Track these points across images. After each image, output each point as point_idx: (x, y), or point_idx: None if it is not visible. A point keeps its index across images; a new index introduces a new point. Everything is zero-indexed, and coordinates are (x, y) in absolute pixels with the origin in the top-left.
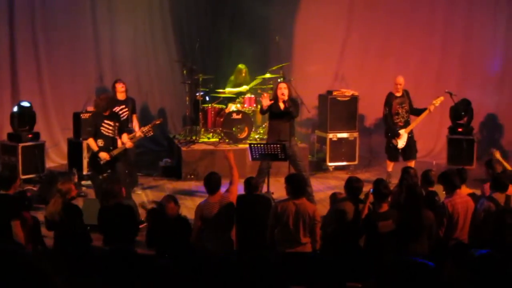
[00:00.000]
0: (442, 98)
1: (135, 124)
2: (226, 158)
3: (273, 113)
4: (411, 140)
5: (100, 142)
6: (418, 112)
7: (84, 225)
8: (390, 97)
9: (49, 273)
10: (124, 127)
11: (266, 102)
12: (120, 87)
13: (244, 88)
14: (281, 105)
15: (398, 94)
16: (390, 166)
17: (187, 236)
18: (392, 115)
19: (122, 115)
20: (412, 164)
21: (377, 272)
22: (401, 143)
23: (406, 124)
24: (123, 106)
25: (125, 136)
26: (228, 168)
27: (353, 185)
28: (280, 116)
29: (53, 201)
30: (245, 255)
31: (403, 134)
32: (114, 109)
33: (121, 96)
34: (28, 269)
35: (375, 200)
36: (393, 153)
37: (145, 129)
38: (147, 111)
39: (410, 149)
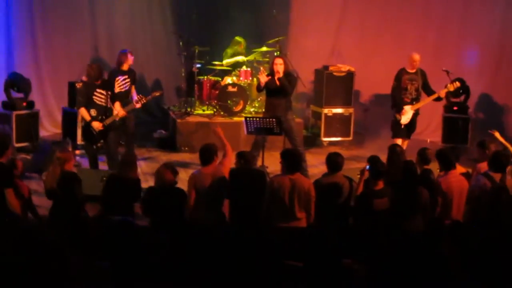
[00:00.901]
0: (457, 83)
1: (134, 94)
2: (214, 133)
3: (268, 89)
4: (415, 118)
5: (93, 112)
6: (430, 92)
7: (83, 193)
8: (401, 72)
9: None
10: (123, 96)
11: (263, 78)
12: (132, 59)
13: (241, 58)
14: (277, 81)
15: (411, 71)
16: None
17: (183, 207)
18: (401, 89)
19: (124, 86)
20: (402, 142)
21: (371, 249)
22: (405, 119)
23: (414, 101)
24: (126, 77)
25: (117, 105)
26: (219, 142)
27: (332, 159)
28: (276, 92)
29: (52, 169)
30: (240, 230)
31: (408, 110)
32: (117, 79)
33: (126, 67)
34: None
35: (370, 177)
36: (396, 129)
37: (140, 98)
38: (143, 82)
39: (411, 127)
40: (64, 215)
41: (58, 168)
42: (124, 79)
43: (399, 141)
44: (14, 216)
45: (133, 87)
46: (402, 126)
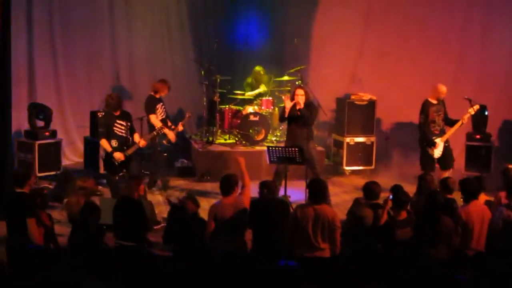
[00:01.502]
0: (477, 106)
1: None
2: (236, 162)
3: (290, 118)
4: (447, 149)
5: (114, 143)
6: (451, 122)
7: (100, 224)
8: (426, 105)
9: None
10: (164, 122)
11: (288, 104)
12: (165, 89)
13: (262, 88)
14: (298, 112)
15: (435, 101)
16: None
17: (203, 236)
18: (428, 123)
19: (164, 113)
20: (448, 173)
21: (392, 279)
22: (437, 152)
23: (442, 133)
24: (162, 104)
25: (136, 136)
26: (238, 172)
27: (369, 187)
28: (297, 121)
29: (76, 198)
30: (260, 261)
31: (439, 143)
32: (157, 107)
33: (162, 94)
34: None
35: (394, 207)
36: (428, 163)
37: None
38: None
39: (446, 158)
40: (83, 243)
41: (82, 197)
42: (162, 106)
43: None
44: (33, 247)
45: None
46: (435, 160)
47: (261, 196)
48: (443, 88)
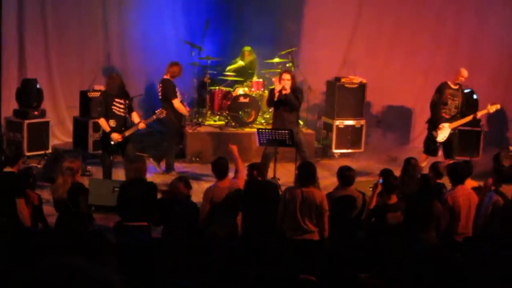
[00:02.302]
0: (498, 106)
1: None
2: (230, 150)
3: (277, 101)
4: (453, 137)
5: (112, 123)
6: (464, 113)
7: (88, 205)
8: (443, 86)
9: None
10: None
11: (278, 87)
12: (180, 72)
13: (240, 63)
14: (282, 93)
15: (454, 86)
16: (424, 160)
17: (195, 218)
18: (440, 103)
19: (181, 95)
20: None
21: (385, 262)
22: (441, 136)
23: (453, 119)
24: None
25: (135, 115)
26: (231, 158)
27: (344, 174)
28: (284, 105)
29: (62, 179)
30: (253, 242)
31: (445, 127)
32: (177, 91)
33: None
34: None
35: (384, 191)
36: (431, 146)
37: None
38: (154, 92)
39: (450, 146)
40: (71, 225)
41: (69, 178)
42: (178, 89)
43: (426, 159)
44: (23, 227)
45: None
46: (438, 144)
47: (251, 178)
48: (464, 72)
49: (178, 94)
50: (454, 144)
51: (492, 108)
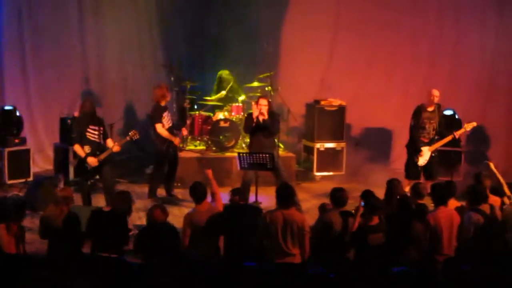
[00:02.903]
0: (474, 123)
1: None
2: (205, 174)
3: (255, 127)
4: (433, 159)
5: (87, 148)
6: (443, 135)
7: (82, 234)
8: (419, 109)
9: None
10: (170, 131)
11: (256, 112)
12: (167, 95)
13: (221, 93)
14: (260, 119)
15: (430, 109)
16: (407, 185)
17: (176, 242)
18: (418, 128)
19: (170, 121)
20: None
21: (367, 284)
22: (422, 160)
23: (431, 142)
24: (167, 112)
25: (109, 141)
26: (206, 181)
27: (336, 195)
28: (262, 130)
29: (56, 208)
30: (234, 265)
31: (426, 151)
32: (163, 115)
33: (164, 102)
34: None
35: (365, 212)
36: (413, 170)
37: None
38: (133, 115)
39: (432, 169)
40: (66, 252)
41: (65, 207)
42: (168, 114)
43: (409, 184)
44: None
45: None
46: (419, 168)
47: (232, 202)
48: (435, 92)
49: (165, 119)
50: (434, 166)
51: (469, 126)
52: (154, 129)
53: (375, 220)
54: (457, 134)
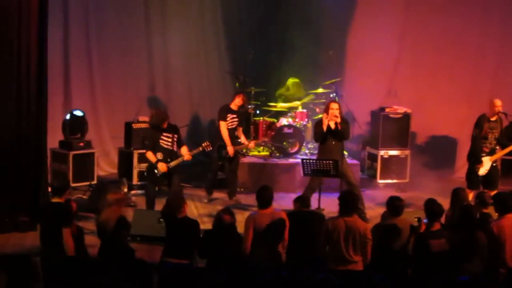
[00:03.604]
0: None
1: (240, 135)
2: None
3: (326, 133)
4: (494, 169)
5: (159, 155)
6: (504, 144)
7: (133, 236)
8: (482, 119)
9: None
10: (230, 132)
11: (326, 120)
12: (238, 100)
13: (296, 103)
14: (332, 125)
15: (493, 119)
16: (470, 195)
17: (239, 249)
18: (480, 138)
19: (232, 123)
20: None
21: None
22: (483, 170)
23: (492, 152)
24: (235, 116)
25: (184, 149)
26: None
27: (394, 204)
28: (333, 136)
29: (110, 210)
30: (297, 273)
31: (486, 161)
32: (227, 116)
33: (234, 106)
34: None
35: (427, 218)
36: (474, 180)
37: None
38: (198, 122)
39: (492, 179)
40: (115, 256)
41: (118, 209)
42: (232, 118)
43: (472, 193)
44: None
45: (239, 128)
46: (480, 178)
47: (296, 210)
48: (498, 102)
49: (226, 122)
50: (495, 176)
51: None
52: None
53: (437, 226)
54: None
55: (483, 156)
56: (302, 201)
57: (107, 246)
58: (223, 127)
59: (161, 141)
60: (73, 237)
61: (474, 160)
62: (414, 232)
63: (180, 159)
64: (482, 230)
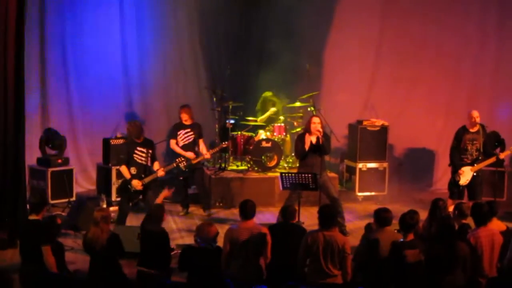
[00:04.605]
0: None
1: (202, 147)
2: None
3: (309, 149)
4: (476, 180)
5: (133, 170)
6: (487, 154)
7: (124, 254)
8: (461, 131)
9: None
10: (187, 148)
11: (313, 138)
12: (184, 114)
13: (272, 110)
14: (313, 139)
15: (472, 130)
16: (451, 205)
17: (219, 263)
18: (460, 150)
19: (187, 138)
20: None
21: None
22: (464, 180)
23: (474, 162)
24: (188, 130)
25: (156, 164)
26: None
27: (382, 215)
28: (313, 151)
29: (96, 228)
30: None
31: (467, 171)
32: (179, 132)
33: (187, 122)
34: None
35: (400, 230)
36: (455, 190)
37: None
38: None
39: (475, 189)
40: (106, 272)
41: (105, 226)
42: (186, 133)
43: (452, 204)
44: (50, 274)
45: (200, 140)
46: (461, 188)
47: (279, 222)
48: (474, 113)
49: (180, 137)
50: (478, 186)
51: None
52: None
53: (410, 237)
54: (502, 155)
55: (464, 166)
56: (287, 213)
57: (99, 264)
58: (172, 145)
59: (135, 155)
60: (53, 253)
61: (453, 170)
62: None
63: (154, 175)
64: (462, 241)
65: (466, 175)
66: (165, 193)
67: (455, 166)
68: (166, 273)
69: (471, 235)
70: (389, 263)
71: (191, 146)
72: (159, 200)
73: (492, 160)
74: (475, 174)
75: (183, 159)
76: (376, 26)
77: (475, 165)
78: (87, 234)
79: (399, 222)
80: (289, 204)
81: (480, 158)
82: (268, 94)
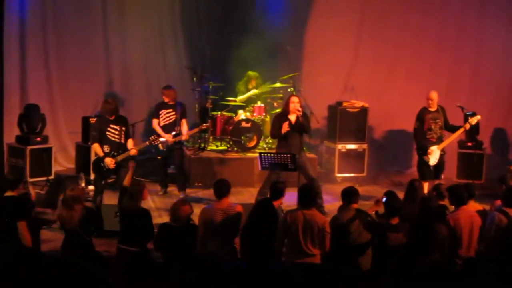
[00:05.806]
0: (479, 117)
1: (184, 128)
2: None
3: (289, 127)
4: (441, 158)
5: (106, 148)
6: (453, 129)
7: (103, 230)
8: (423, 112)
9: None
10: (168, 128)
11: (285, 128)
12: (167, 94)
13: (254, 91)
14: (292, 119)
15: (432, 109)
16: (425, 186)
17: (195, 242)
18: (425, 131)
19: (169, 118)
20: (438, 181)
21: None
22: (433, 160)
23: (439, 140)
24: (170, 110)
25: (130, 141)
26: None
27: (348, 192)
28: (292, 130)
29: (68, 209)
30: (252, 266)
31: (435, 150)
32: (160, 112)
33: (167, 100)
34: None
35: (386, 212)
36: (425, 171)
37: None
38: None
39: (439, 167)
40: (80, 250)
41: (79, 206)
42: (168, 112)
43: (426, 184)
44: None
45: (183, 120)
46: (431, 168)
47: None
48: (432, 95)
49: (162, 117)
50: (442, 165)
51: (474, 120)
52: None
53: (396, 220)
54: (467, 126)
55: (430, 145)
56: (274, 190)
57: (72, 242)
58: (154, 124)
59: (107, 133)
60: (29, 229)
61: (422, 152)
62: (375, 204)
63: (126, 153)
64: (441, 222)
65: (435, 154)
66: (131, 170)
67: (423, 146)
68: (147, 251)
69: (450, 217)
70: (371, 243)
71: (172, 127)
72: (128, 179)
73: (459, 132)
74: (441, 152)
75: (156, 137)
76: (357, 9)
77: (441, 143)
78: (61, 213)
79: (385, 204)
80: (280, 181)
81: (442, 136)
82: (253, 73)
